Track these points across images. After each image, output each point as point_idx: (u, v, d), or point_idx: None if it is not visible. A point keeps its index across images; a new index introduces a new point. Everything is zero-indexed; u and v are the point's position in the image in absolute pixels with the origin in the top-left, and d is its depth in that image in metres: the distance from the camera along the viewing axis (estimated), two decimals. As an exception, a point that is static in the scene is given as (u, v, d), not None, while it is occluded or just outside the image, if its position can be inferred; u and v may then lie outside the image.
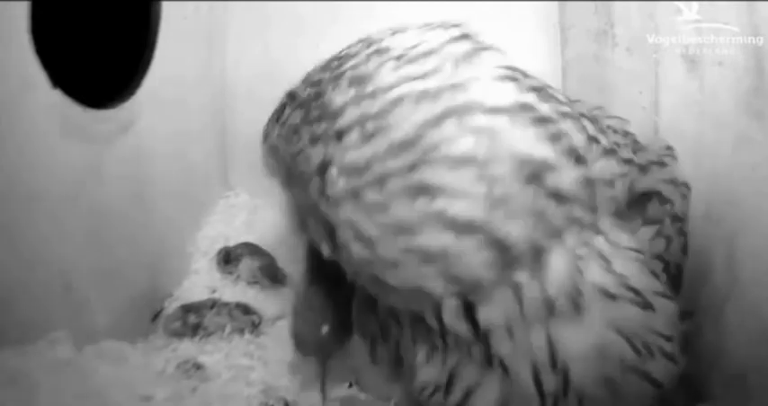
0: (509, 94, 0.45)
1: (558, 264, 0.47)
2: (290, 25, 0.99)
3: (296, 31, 0.98)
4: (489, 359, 0.50)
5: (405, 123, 0.43)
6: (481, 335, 0.49)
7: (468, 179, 0.43)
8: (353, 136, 0.44)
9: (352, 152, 0.44)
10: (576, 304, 0.48)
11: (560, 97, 0.49)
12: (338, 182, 0.45)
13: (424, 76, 0.44)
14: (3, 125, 0.57)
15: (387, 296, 0.51)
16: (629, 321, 0.50)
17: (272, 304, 0.84)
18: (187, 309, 0.80)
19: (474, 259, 0.44)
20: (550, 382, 0.50)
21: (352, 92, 0.45)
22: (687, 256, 0.61)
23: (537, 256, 0.46)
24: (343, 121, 0.45)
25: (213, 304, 0.81)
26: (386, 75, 0.45)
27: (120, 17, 0.72)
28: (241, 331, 0.79)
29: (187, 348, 0.76)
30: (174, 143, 0.86)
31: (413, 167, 0.43)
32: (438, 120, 0.43)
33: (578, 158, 0.46)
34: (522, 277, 0.46)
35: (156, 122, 0.78)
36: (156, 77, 0.76)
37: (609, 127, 0.58)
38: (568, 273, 0.48)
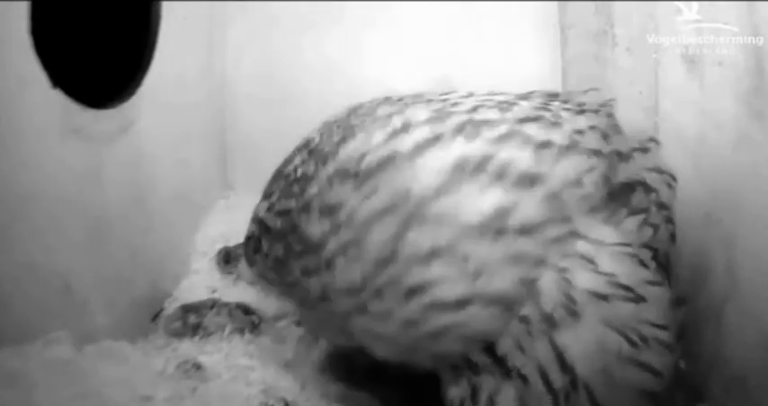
0: (443, 168, 0.48)
1: (547, 285, 0.49)
2: (289, 25, 0.99)
3: (295, 31, 0.98)
4: (508, 372, 0.52)
5: (379, 242, 0.48)
6: (500, 359, 0.52)
7: (443, 266, 0.47)
8: (341, 263, 0.49)
9: (345, 275, 0.49)
10: (573, 311, 0.50)
11: (490, 115, 0.50)
12: (343, 303, 0.50)
13: (385, 195, 0.48)
14: (2, 125, 0.57)
15: (417, 364, 0.55)
16: (621, 317, 0.51)
17: (271, 304, 0.84)
18: (187, 309, 0.80)
19: (480, 320, 0.49)
20: (558, 380, 0.51)
21: (326, 223, 0.50)
22: (675, 243, 0.60)
23: (531, 287, 0.49)
24: (327, 252, 0.50)
25: (213, 304, 0.81)
26: (352, 199, 0.49)
27: (120, 17, 0.72)
28: (241, 331, 0.79)
29: (187, 348, 0.76)
30: (174, 143, 0.86)
31: (399, 276, 0.48)
32: (402, 233, 0.48)
33: (532, 179, 0.48)
34: (526, 309, 0.49)
35: (156, 122, 0.78)
36: (156, 77, 0.76)
37: (580, 104, 0.57)
38: (558, 289, 0.49)
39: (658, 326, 0.53)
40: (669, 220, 0.58)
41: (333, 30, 1.01)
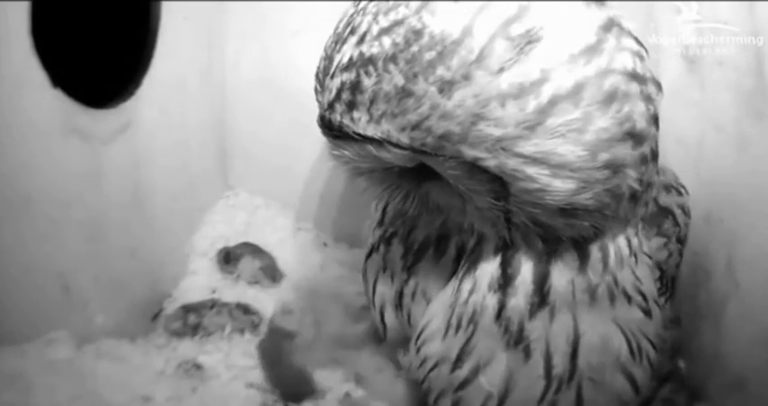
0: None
1: (614, 251, 0.50)
2: (290, 26, 0.99)
3: (296, 31, 0.98)
4: (518, 341, 0.52)
5: None
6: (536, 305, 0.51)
7: None
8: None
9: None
10: (613, 295, 0.51)
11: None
12: (507, 114, 0.41)
13: None
14: (2, 125, 0.57)
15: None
16: (631, 323, 0.53)
17: (272, 304, 0.84)
18: (187, 309, 0.80)
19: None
20: (560, 366, 0.52)
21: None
22: (679, 272, 0.63)
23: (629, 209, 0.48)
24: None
25: (213, 304, 0.81)
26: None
27: (119, 17, 0.72)
28: (241, 331, 0.79)
29: (187, 347, 0.76)
30: (174, 143, 0.86)
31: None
32: None
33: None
34: (608, 238, 0.50)
35: (155, 122, 0.78)
36: (156, 77, 0.76)
37: None
38: (616, 262, 0.51)
39: (653, 344, 0.54)
40: (680, 254, 0.61)
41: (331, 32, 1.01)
